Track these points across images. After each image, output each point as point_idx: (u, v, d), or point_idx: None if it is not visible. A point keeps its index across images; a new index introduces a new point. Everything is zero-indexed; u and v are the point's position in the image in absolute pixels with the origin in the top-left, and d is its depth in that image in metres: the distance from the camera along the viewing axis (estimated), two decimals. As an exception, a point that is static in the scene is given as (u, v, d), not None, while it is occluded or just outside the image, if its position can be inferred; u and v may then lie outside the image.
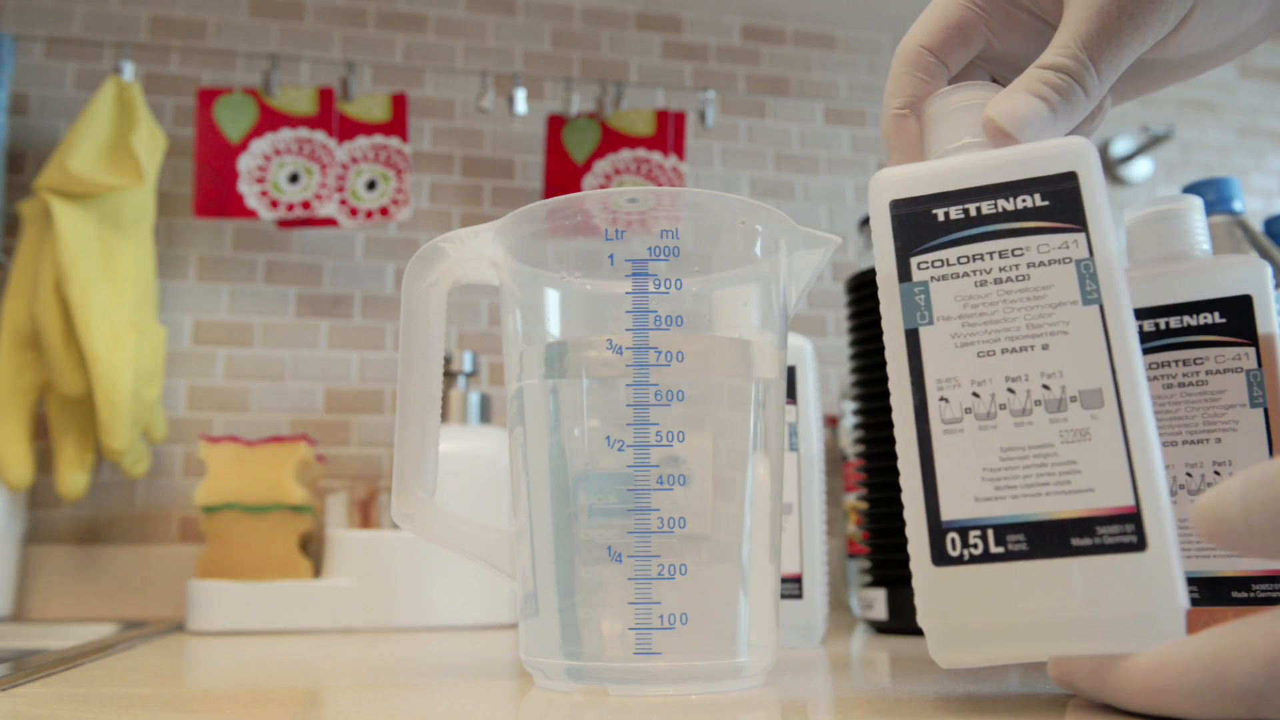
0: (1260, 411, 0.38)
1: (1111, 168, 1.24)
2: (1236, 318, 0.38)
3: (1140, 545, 0.28)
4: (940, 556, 0.30)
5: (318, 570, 0.78)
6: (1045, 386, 0.30)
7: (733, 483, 0.35)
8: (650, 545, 0.33)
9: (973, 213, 0.32)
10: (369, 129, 0.95)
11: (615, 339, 0.35)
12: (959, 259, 0.32)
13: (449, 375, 0.83)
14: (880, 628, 0.61)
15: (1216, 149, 1.29)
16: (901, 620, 0.59)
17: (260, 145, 0.91)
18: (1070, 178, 0.32)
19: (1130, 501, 0.28)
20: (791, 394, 0.55)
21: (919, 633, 0.58)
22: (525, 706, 0.33)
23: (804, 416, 0.56)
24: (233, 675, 0.46)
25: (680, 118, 1.01)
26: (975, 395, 0.31)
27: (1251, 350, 0.38)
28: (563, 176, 1.00)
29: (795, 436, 0.55)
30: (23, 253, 0.84)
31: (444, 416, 0.80)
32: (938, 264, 0.32)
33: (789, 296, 0.39)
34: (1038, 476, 0.30)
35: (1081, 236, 0.31)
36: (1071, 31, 0.33)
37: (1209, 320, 0.39)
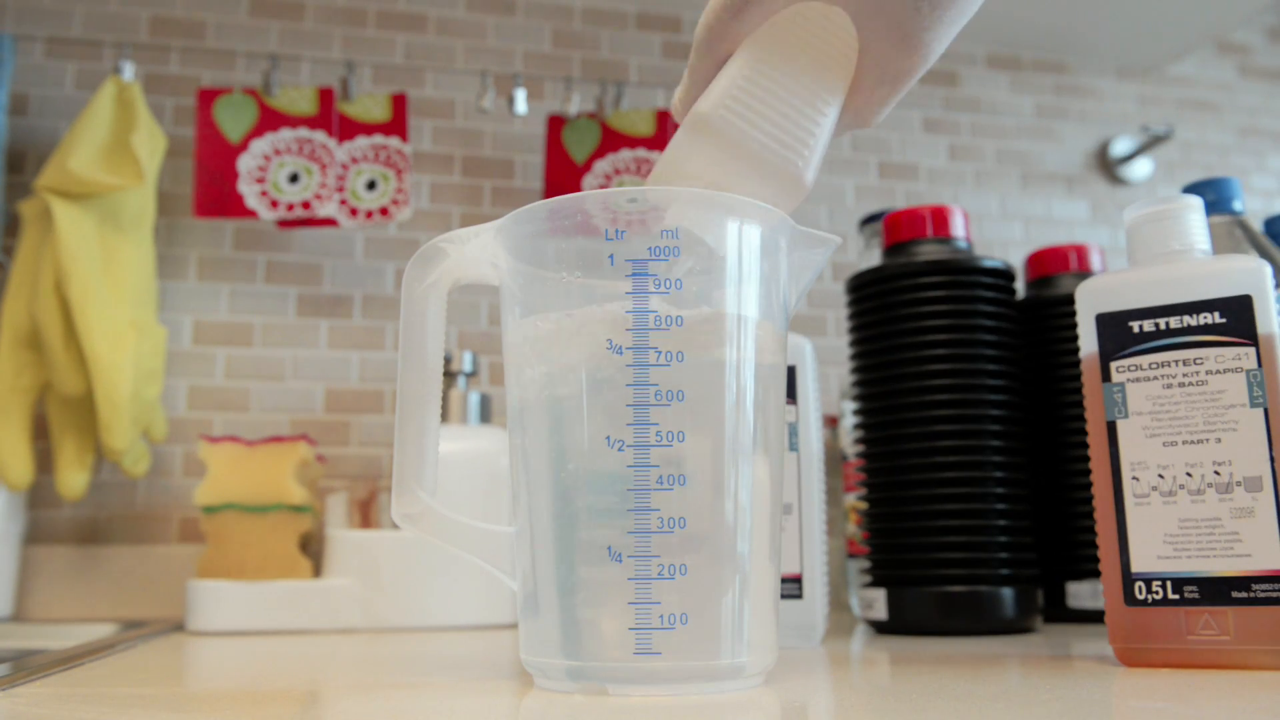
0: (1260, 411, 0.38)
1: (1111, 168, 1.24)
2: (1236, 318, 0.39)
3: None
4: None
5: (318, 570, 0.78)
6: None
7: (733, 483, 0.35)
8: (650, 545, 0.33)
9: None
10: (369, 129, 0.95)
11: (615, 339, 0.35)
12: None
13: (449, 375, 0.83)
14: (880, 628, 0.61)
15: (1216, 149, 1.29)
16: (901, 620, 0.59)
17: (260, 145, 0.91)
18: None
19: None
20: (791, 394, 0.55)
21: (919, 633, 0.58)
22: (525, 706, 0.33)
23: (804, 416, 0.56)
24: (233, 675, 0.46)
25: (680, 118, 1.01)
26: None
27: (1251, 350, 0.38)
28: (563, 176, 1.00)
29: (795, 436, 0.55)
30: (23, 253, 0.84)
31: (444, 416, 0.80)
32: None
33: (789, 296, 0.39)
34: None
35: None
36: None
37: (1209, 320, 0.39)
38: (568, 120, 1.01)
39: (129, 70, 0.90)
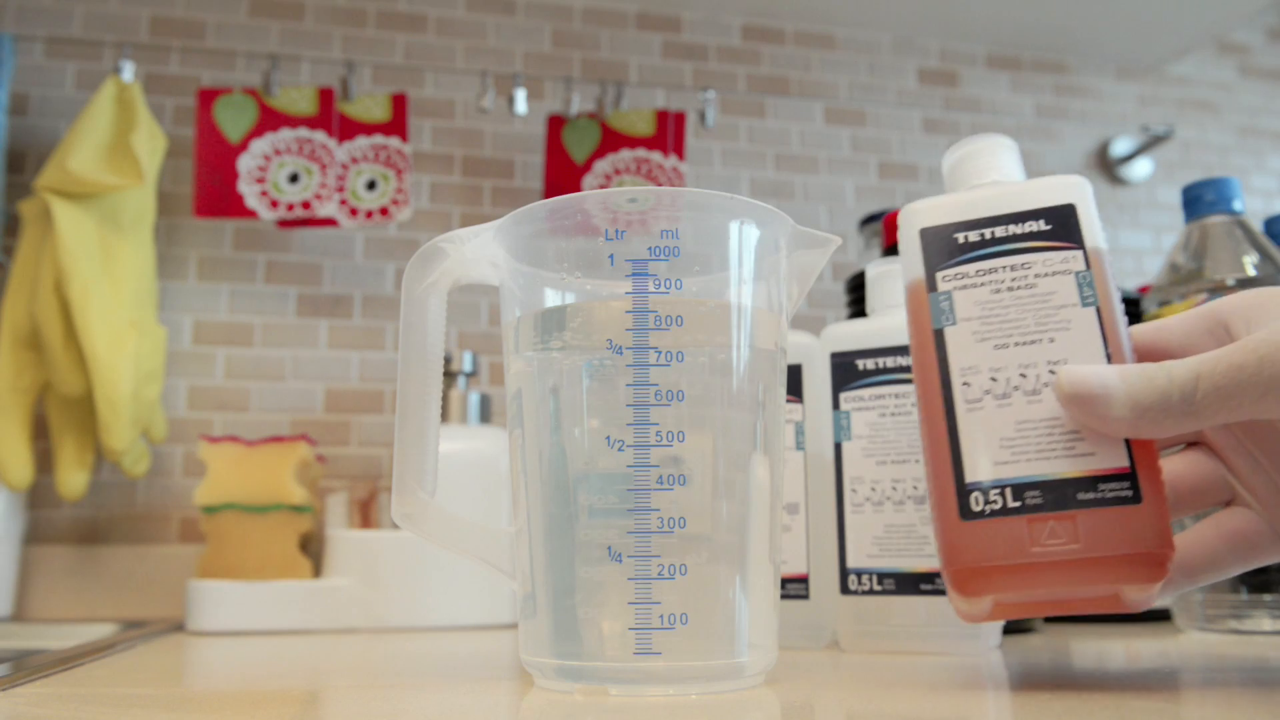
0: (1092, 310, 0.36)
1: (1112, 168, 1.24)
2: (1061, 225, 0.38)
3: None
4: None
5: (318, 570, 0.78)
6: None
7: (733, 483, 0.35)
8: (650, 545, 0.33)
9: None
10: (369, 129, 0.95)
11: (615, 339, 0.35)
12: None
13: (449, 375, 0.82)
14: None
15: (1216, 149, 1.29)
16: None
17: (260, 145, 0.91)
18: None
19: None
20: (799, 392, 0.55)
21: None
22: (525, 706, 0.33)
23: (812, 415, 0.55)
24: (233, 675, 0.46)
25: (680, 118, 1.01)
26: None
27: (1079, 253, 0.37)
28: (563, 176, 1.00)
29: (803, 435, 0.55)
30: (23, 253, 0.84)
31: (444, 416, 0.80)
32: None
33: (789, 296, 0.39)
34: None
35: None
36: (1213, 354, 0.32)
37: (1034, 228, 0.38)
38: (568, 120, 1.01)
39: (129, 70, 0.89)
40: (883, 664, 0.44)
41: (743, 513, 0.35)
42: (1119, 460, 0.34)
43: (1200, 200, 0.64)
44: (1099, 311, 0.36)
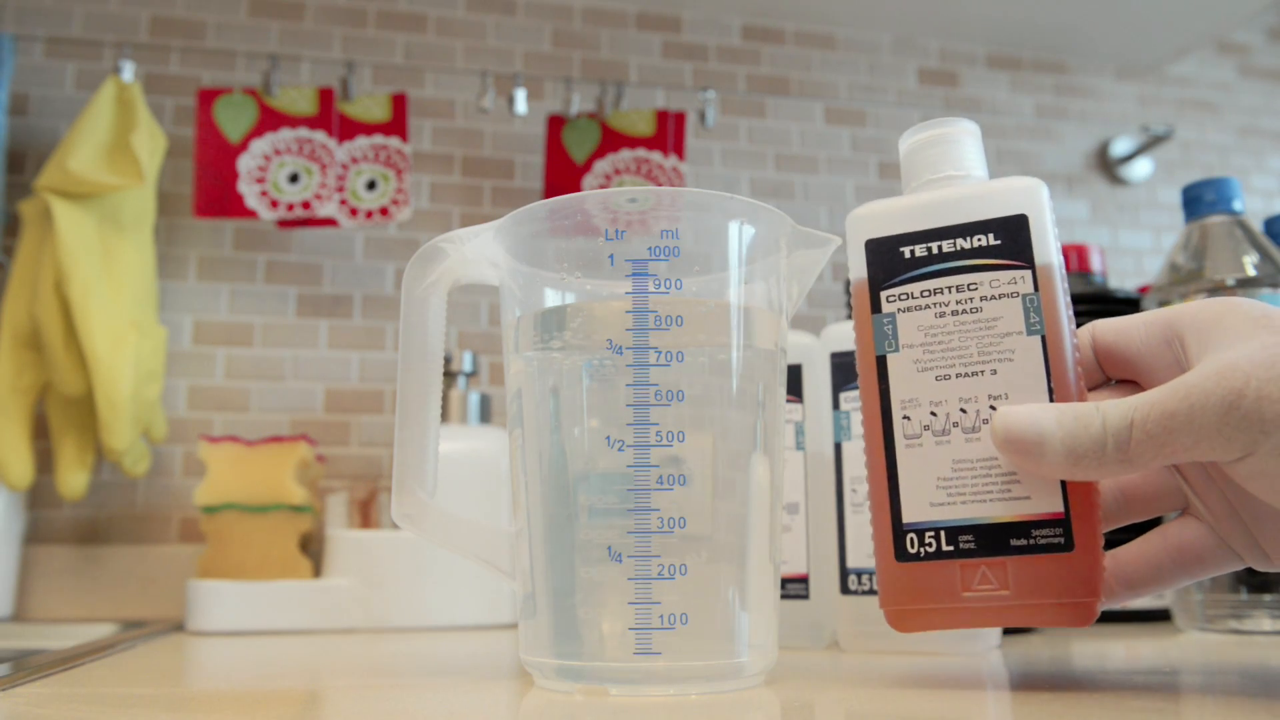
0: (1038, 339, 0.35)
1: (1111, 168, 1.24)
2: (1011, 240, 0.36)
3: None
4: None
5: (318, 570, 0.77)
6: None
7: (733, 483, 0.35)
8: (650, 545, 0.33)
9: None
10: (369, 129, 0.95)
11: (615, 339, 0.34)
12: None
13: (449, 375, 0.82)
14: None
15: (1216, 149, 1.29)
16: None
17: (260, 145, 0.91)
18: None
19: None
20: (799, 392, 0.55)
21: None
22: (525, 706, 0.33)
23: (812, 415, 0.55)
24: (233, 675, 0.46)
25: (680, 118, 1.01)
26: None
27: (1028, 273, 0.35)
28: (563, 176, 1.00)
29: (803, 435, 0.55)
30: (23, 253, 0.84)
31: (444, 416, 0.80)
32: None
33: (789, 297, 0.39)
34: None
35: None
36: (1147, 399, 0.31)
37: (983, 242, 0.36)
38: (568, 120, 1.01)
39: (129, 70, 0.89)
40: (883, 664, 0.44)
41: (743, 513, 0.35)
42: (1054, 505, 0.33)
43: (1200, 200, 0.64)
44: (1044, 340, 0.34)
